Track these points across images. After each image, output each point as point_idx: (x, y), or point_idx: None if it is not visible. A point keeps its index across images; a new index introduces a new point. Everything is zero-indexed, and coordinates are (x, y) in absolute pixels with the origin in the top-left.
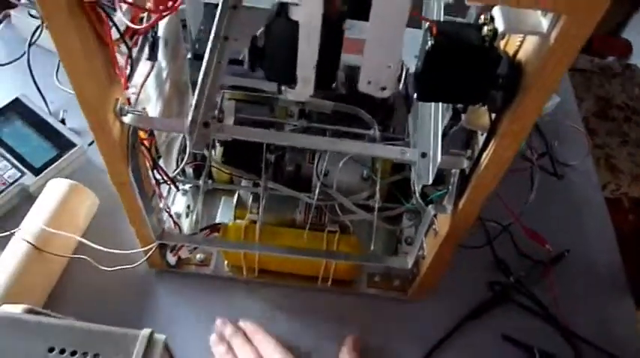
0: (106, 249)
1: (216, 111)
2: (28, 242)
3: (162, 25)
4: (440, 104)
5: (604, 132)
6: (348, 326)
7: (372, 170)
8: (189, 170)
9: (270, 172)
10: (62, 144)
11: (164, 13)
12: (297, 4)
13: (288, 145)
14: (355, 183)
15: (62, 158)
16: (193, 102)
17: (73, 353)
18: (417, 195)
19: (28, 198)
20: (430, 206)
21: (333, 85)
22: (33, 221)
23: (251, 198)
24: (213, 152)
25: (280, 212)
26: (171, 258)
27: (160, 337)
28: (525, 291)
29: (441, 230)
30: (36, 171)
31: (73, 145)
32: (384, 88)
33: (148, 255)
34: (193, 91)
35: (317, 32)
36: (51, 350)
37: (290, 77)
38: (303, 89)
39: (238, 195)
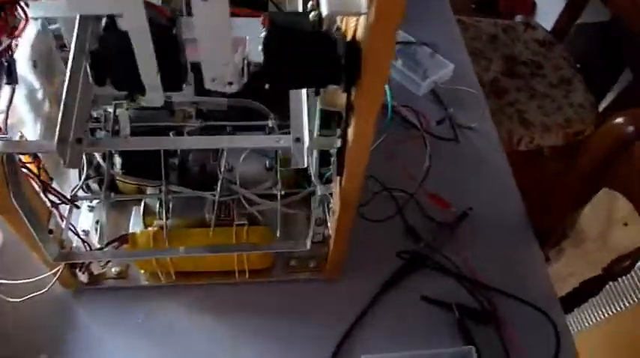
0: (9, 282)
1: (111, 123)
2: None
3: (28, 47)
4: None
5: (514, 89)
6: (269, 314)
7: (275, 160)
8: (95, 185)
9: (176, 175)
10: None
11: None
12: (121, 16)
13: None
14: (259, 174)
15: None
16: (59, 119)
17: None
18: (313, 177)
19: None
20: (318, 186)
21: (183, 85)
22: None
23: (158, 204)
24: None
25: (189, 213)
26: (83, 276)
27: None
28: (436, 253)
29: (335, 206)
30: None
31: None
32: (230, 83)
33: (55, 278)
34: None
35: (148, 39)
36: None
37: (138, 86)
38: (153, 95)
39: (145, 203)
